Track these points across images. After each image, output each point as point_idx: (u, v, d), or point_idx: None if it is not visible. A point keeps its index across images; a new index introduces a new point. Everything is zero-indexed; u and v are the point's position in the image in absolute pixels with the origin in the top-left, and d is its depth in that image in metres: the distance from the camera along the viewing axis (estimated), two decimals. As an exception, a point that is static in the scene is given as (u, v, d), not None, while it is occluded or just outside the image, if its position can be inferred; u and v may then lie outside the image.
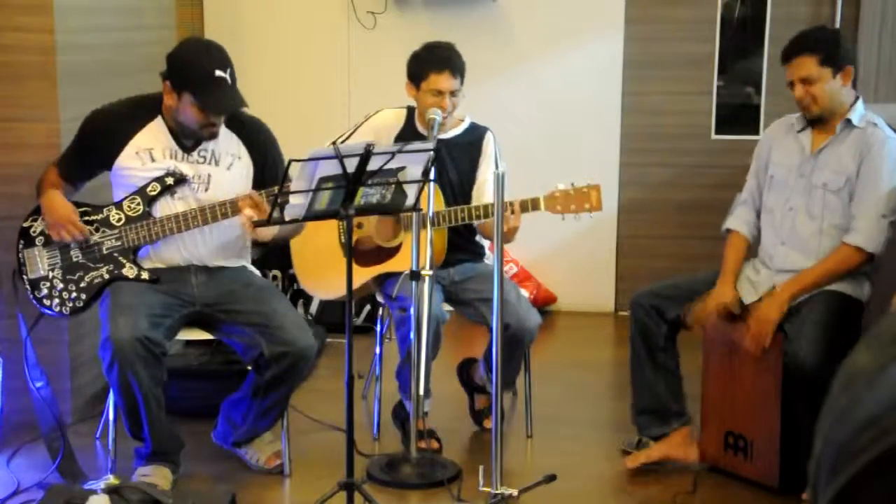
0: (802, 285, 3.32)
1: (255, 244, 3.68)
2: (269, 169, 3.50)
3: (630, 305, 3.61)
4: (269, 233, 3.41)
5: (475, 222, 3.62)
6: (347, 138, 3.69)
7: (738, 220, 3.59)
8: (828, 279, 3.33)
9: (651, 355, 3.55)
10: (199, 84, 3.27)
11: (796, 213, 3.42)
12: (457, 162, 3.77)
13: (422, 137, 3.64)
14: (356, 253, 3.74)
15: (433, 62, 3.67)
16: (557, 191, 3.53)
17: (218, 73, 3.26)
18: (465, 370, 4.00)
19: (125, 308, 3.24)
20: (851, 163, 3.32)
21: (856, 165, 3.31)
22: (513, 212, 3.52)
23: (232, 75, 3.30)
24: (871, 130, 3.33)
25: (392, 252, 3.75)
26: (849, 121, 3.34)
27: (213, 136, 3.42)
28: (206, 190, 3.44)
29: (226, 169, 3.47)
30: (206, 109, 3.30)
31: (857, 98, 3.39)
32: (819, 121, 3.39)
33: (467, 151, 3.79)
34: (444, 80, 3.64)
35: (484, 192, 3.73)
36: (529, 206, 3.50)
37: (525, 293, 4.08)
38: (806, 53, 3.32)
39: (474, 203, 3.69)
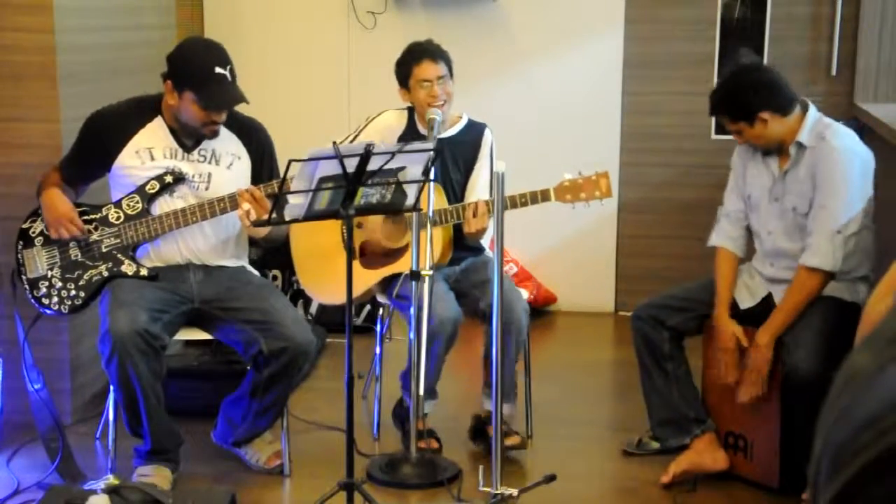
0: (777, 327, 3.28)
1: (252, 242, 3.69)
2: (264, 169, 3.52)
3: (630, 321, 3.60)
4: (263, 230, 3.42)
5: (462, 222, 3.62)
6: (352, 140, 3.69)
7: (722, 237, 3.53)
8: (797, 309, 3.28)
9: (659, 365, 3.51)
10: (199, 81, 3.29)
11: (774, 236, 3.41)
12: (457, 160, 3.78)
13: (423, 138, 3.64)
14: (363, 256, 3.75)
15: (411, 57, 3.73)
16: (566, 180, 3.54)
17: (218, 70, 3.29)
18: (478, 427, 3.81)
19: (124, 302, 3.25)
20: (809, 185, 3.29)
21: (812, 186, 3.28)
22: (475, 214, 3.52)
23: (232, 72, 3.33)
24: (820, 147, 3.27)
25: (398, 253, 3.74)
26: (799, 143, 3.31)
27: (215, 134, 3.43)
28: (207, 189, 3.45)
29: (226, 168, 3.48)
30: (207, 106, 3.32)
31: (804, 112, 3.33)
32: (771, 152, 3.39)
33: (467, 149, 3.80)
34: (425, 68, 3.68)
35: (475, 192, 3.74)
36: (539, 197, 3.51)
37: (525, 292, 4.06)
38: (716, 115, 3.36)
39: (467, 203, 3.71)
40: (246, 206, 3.28)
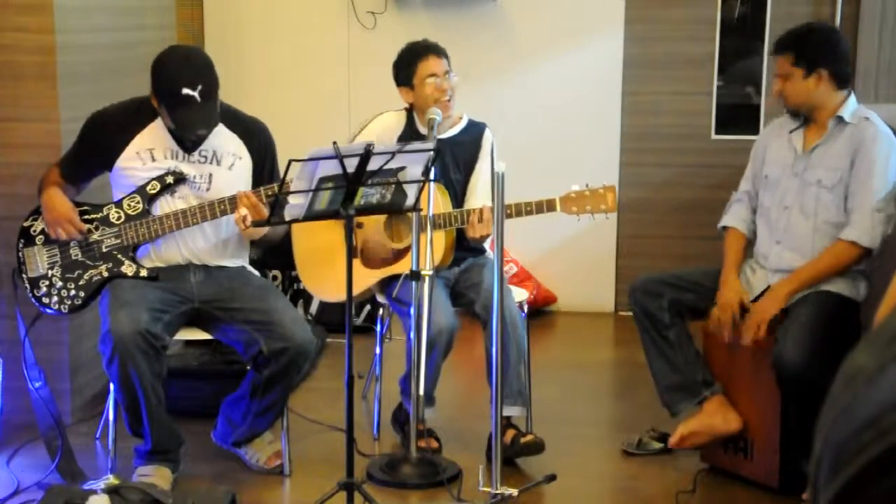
0: (800, 282, 3.31)
1: (253, 242, 3.69)
2: (265, 170, 3.51)
3: (628, 294, 3.60)
4: (258, 232, 3.42)
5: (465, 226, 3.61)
6: (351, 143, 3.69)
7: (734, 218, 3.59)
8: (825, 275, 3.31)
9: (661, 334, 3.49)
10: (167, 100, 3.29)
11: (791, 212, 3.42)
12: (459, 161, 3.79)
13: (423, 138, 3.64)
14: (364, 256, 3.75)
15: (414, 54, 3.74)
16: (573, 192, 3.54)
17: (185, 91, 3.23)
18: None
19: (125, 303, 3.25)
20: (845, 159, 3.32)
21: (849, 161, 3.31)
22: (480, 219, 3.52)
23: (204, 92, 3.25)
24: (864, 125, 3.32)
25: (401, 254, 3.74)
26: (840, 118, 3.35)
27: (200, 139, 3.43)
28: (208, 189, 3.45)
29: (227, 169, 3.47)
30: (175, 125, 3.33)
31: (848, 95, 3.39)
32: (799, 116, 3.42)
33: (468, 149, 3.80)
34: (432, 64, 3.69)
35: (475, 194, 3.74)
36: (545, 207, 3.51)
37: (525, 292, 4.06)
38: (782, 52, 3.39)
39: (466, 205, 3.71)
40: (243, 210, 3.29)
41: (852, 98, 3.39)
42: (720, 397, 3.46)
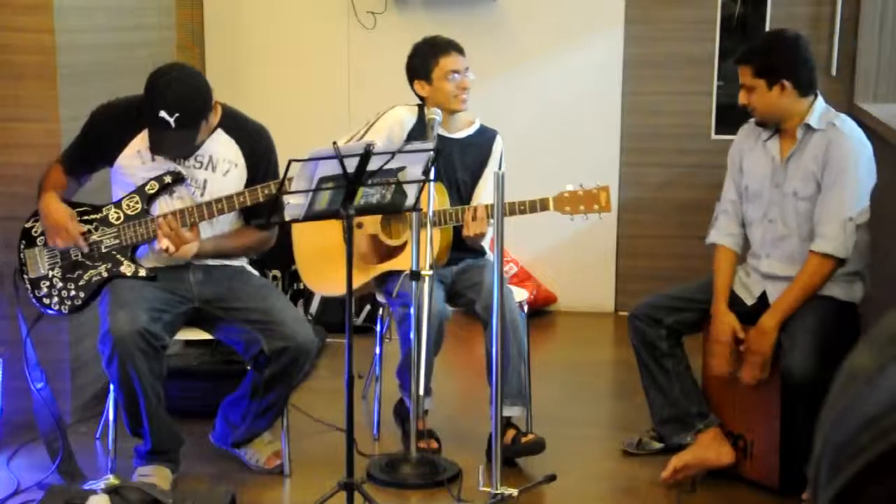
0: (784, 311, 3.28)
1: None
2: (259, 177, 3.48)
3: (627, 321, 3.59)
4: (186, 252, 3.35)
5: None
6: (362, 136, 3.68)
7: (721, 234, 3.53)
8: (806, 294, 3.28)
9: (658, 363, 3.50)
10: (146, 115, 3.28)
11: (775, 224, 3.40)
12: (467, 162, 3.79)
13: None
14: (360, 251, 3.75)
15: (437, 49, 3.72)
16: (566, 192, 3.54)
17: (161, 114, 3.21)
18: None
19: (124, 302, 3.25)
20: (815, 168, 3.28)
21: (820, 169, 3.27)
22: (474, 217, 3.52)
23: (180, 121, 3.22)
24: (831, 132, 3.27)
25: (397, 250, 3.75)
26: (808, 125, 3.31)
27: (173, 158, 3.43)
28: (202, 195, 3.43)
29: (222, 175, 3.45)
30: (148, 141, 3.33)
31: (814, 101, 3.33)
32: (769, 126, 3.38)
33: (477, 153, 3.81)
34: (455, 60, 3.70)
35: (480, 198, 3.75)
36: (538, 206, 3.51)
37: (525, 292, 4.06)
38: (743, 63, 3.36)
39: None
40: (164, 242, 3.29)
41: (819, 102, 3.34)
42: (715, 430, 3.46)
